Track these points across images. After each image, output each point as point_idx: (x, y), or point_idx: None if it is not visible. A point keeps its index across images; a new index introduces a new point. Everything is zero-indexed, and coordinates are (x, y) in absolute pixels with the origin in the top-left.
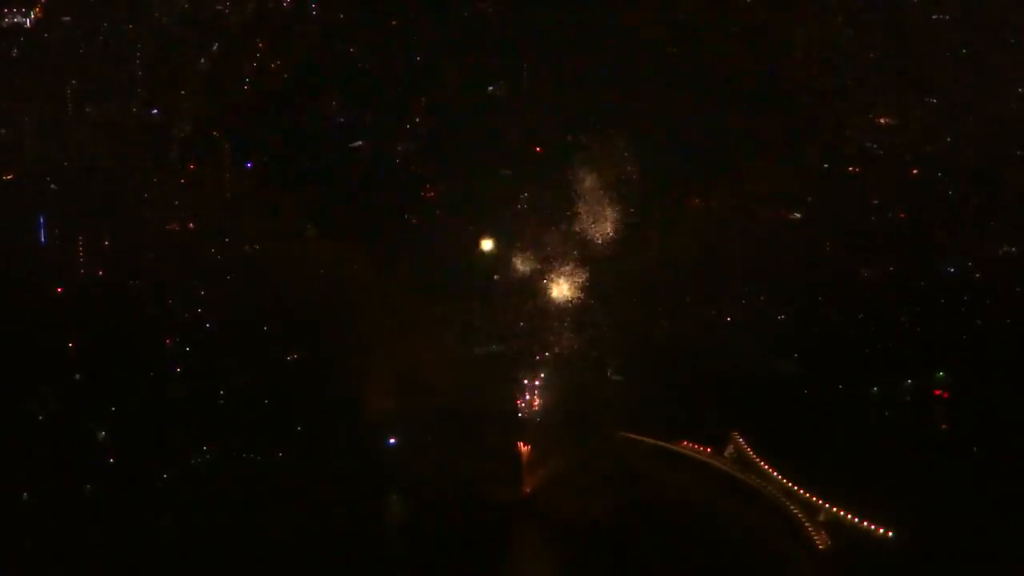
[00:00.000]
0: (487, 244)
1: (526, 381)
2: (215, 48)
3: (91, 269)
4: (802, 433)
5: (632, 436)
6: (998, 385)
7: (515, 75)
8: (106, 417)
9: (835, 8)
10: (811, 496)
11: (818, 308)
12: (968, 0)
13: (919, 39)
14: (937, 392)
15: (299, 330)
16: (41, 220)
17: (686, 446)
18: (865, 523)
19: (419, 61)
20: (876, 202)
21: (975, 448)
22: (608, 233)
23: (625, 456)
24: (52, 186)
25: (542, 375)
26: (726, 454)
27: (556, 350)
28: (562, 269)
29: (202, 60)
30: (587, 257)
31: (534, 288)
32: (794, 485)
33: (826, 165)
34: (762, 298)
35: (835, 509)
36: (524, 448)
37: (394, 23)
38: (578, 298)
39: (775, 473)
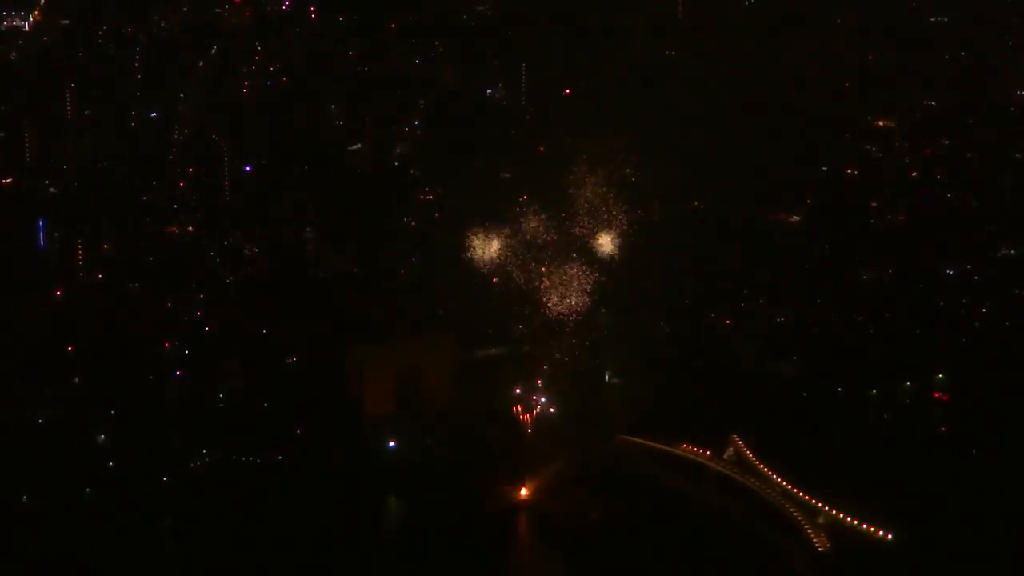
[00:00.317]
0: (486, 247)
1: (525, 384)
2: (214, 52)
3: (90, 272)
4: (801, 435)
5: (631, 439)
6: (997, 387)
7: (513, 78)
8: (105, 420)
9: (835, 11)
10: (810, 498)
11: (817, 311)
12: (968, 2)
13: (918, 42)
14: (936, 394)
15: (298, 333)
16: (40, 224)
17: (685, 448)
18: (864, 525)
19: (417, 64)
20: (875, 204)
21: (974, 450)
22: (607, 236)
23: (624, 459)
24: (51, 190)
25: (541, 378)
26: (725, 456)
27: (555, 353)
28: (561, 272)
29: (201, 63)
30: (586, 260)
31: (533, 291)
32: (793, 487)
33: (825, 168)
34: (761, 301)
35: (834, 511)
36: (523, 450)
37: (392, 26)
38: (577, 301)
39: (774, 475)
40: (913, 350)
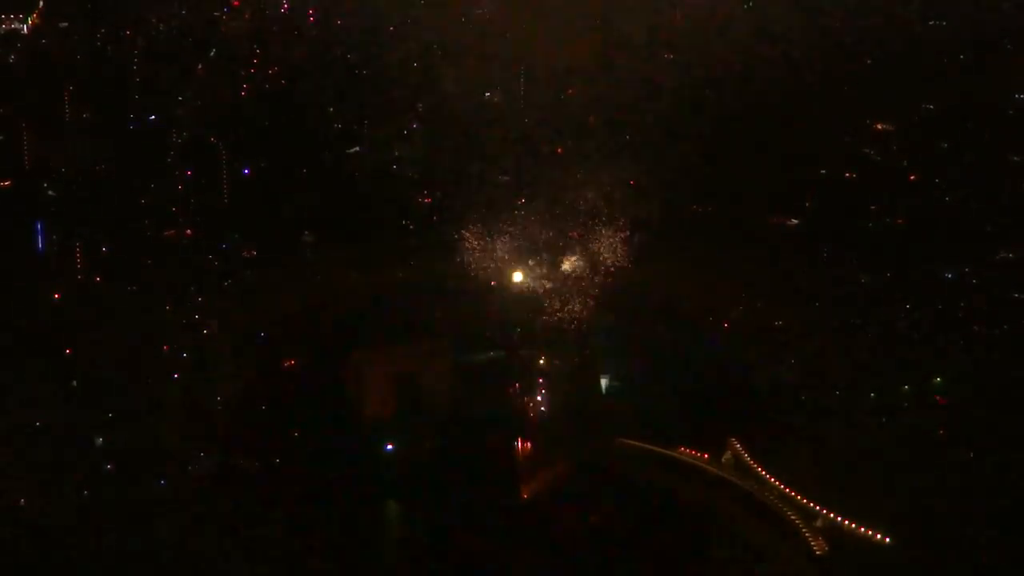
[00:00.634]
0: (484, 250)
1: (524, 387)
2: (212, 54)
3: (89, 275)
4: (800, 439)
5: (629, 442)
6: (996, 391)
7: (512, 81)
8: (104, 423)
9: (833, 13)
10: (808, 502)
11: (816, 314)
12: (966, 5)
13: (917, 44)
14: (935, 398)
15: (296, 336)
16: (39, 226)
17: (684, 452)
18: (862, 529)
19: (416, 67)
20: (874, 208)
21: (972, 454)
22: (605, 240)
23: (622, 462)
24: (50, 192)
25: (540, 381)
26: (724, 460)
27: (553, 357)
28: (559, 275)
29: (199, 66)
30: (584, 264)
31: (531, 294)
32: (791, 491)
33: (823, 171)
34: (759, 304)
35: (832, 515)
36: (522, 454)
37: (391, 29)
38: (576, 305)
39: (772, 479)
40: (911, 354)
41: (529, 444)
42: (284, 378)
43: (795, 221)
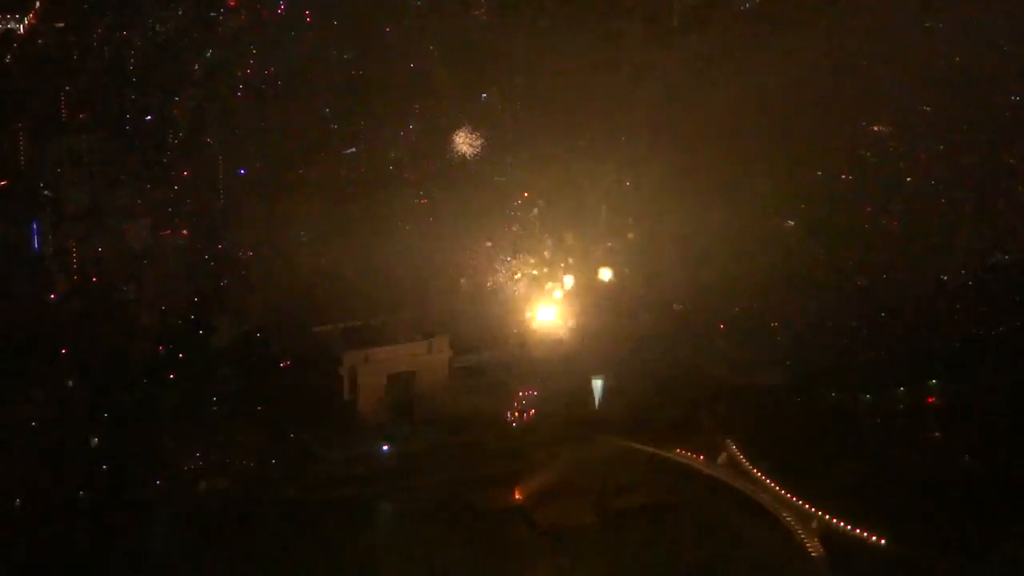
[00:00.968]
0: (481, 250)
1: (519, 387)
2: (209, 54)
3: (84, 275)
4: (795, 440)
5: (625, 443)
6: (991, 392)
7: (508, 81)
8: (98, 424)
9: (831, 16)
10: (804, 503)
11: (812, 316)
12: (964, 7)
13: (914, 46)
14: (930, 399)
15: (293, 336)
16: (35, 226)
17: (679, 453)
18: (857, 530)
19: (412, 67)
20: (870, 210)
21: (967, 455)
22: (601, 240)
23: (618, 463)
24: (46, 192)
25: (536, 381)
26: (719, 461)
27: (550, 357)
28: (555, 276)
29: (196, 66)
30: (580, 264)
31: (527, 295)
32: (787, 492)
33: (820, 173)
34: (755, 305)
35: (828, 516)
36: (517, 453)
37: (388, 29)
38: (571, 305)
39: (768, 480)
40: (907, 355)
41: (524, 443)
42: (280, 379)
43: (791, 222)
